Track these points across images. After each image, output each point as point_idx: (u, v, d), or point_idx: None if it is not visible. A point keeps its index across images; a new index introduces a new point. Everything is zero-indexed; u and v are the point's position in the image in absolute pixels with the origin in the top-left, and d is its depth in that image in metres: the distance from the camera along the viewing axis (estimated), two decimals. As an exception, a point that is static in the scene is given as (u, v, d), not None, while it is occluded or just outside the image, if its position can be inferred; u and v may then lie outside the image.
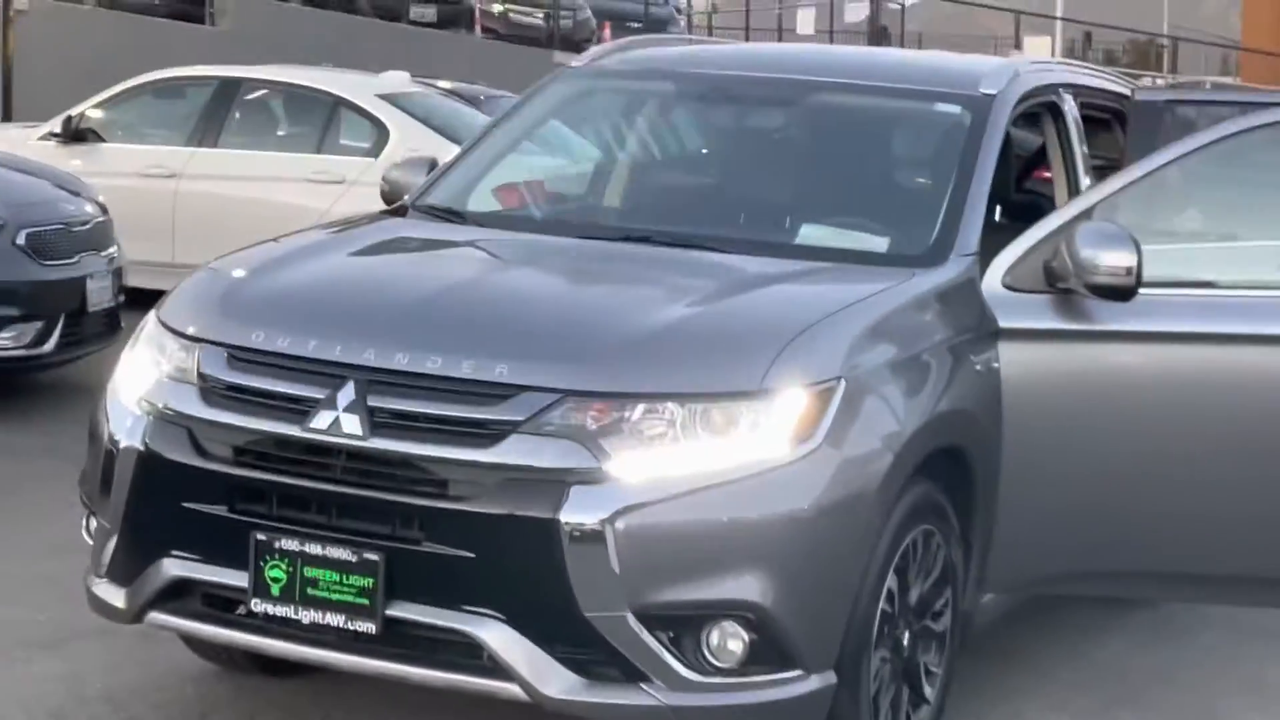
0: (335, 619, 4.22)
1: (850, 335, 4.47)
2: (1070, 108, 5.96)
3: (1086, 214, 5.10)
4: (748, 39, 31.33)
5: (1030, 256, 5.07)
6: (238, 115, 11.81)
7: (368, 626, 4.19)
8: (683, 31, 25.58)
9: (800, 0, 32.71)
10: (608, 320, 4.45)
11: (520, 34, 22.96)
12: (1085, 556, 5.17)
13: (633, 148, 6.01)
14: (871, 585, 4.41)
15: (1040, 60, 6.18)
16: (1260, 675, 5.87)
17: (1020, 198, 6.54)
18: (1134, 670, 5.84)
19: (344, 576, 4.20)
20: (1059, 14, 39.94)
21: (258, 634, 4.36)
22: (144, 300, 5.92)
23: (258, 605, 4.29)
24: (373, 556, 4.17)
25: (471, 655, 4.17)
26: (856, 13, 31.85)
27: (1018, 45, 31.56)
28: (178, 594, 4.44)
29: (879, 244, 5.22)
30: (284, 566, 4.24)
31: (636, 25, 24.02)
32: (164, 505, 4.40)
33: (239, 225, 9.78)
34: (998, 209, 5.92)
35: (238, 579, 4.31)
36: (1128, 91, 6.34)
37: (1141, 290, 4.92)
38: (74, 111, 11.84)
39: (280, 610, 4.27)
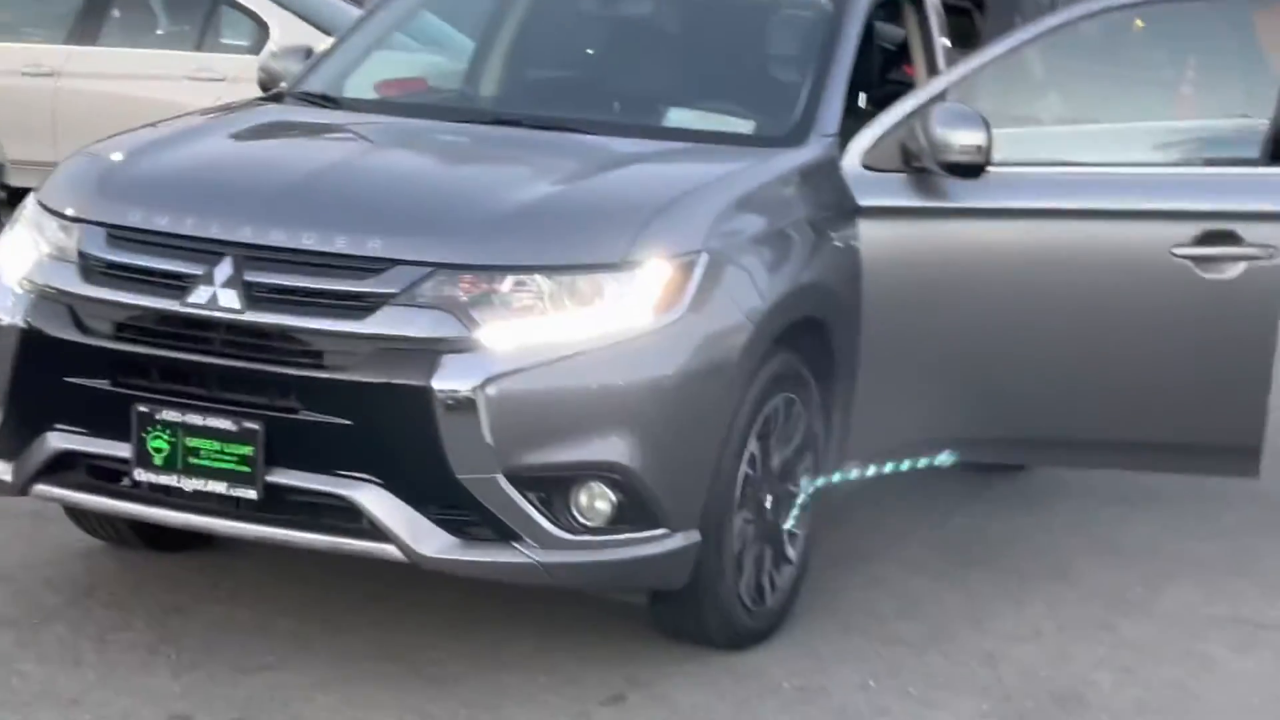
0: (217, 486, 4.37)
1: (712, 209, 4.65)
2: (931, -3, 6.16)
3: (940, 96, 5.30)
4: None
5: (887, 137, 5.27)
6: (116, 13, 11.74)
7: (249, 493, 4.35)
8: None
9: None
10: (477, 196, 4.60)
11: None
12: (941, 424, 5.41)
13: (502, 35, 6.13)
14: (734, 449, 4.62)
15: (902, -49, 6.31)
16: (1112, 537, 6.16)
17: (889, 88, 6.73)
18: (992, 534, 6.11)
19: (225, 445, 4.34)
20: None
21: (142, 503, 4.50)
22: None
23: (141, 475, 4.43)
24: (252, 425, 4.32)
25: (350, 519, 4.34)
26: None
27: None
28: (63, 466, 4.57)
29: (744, 126, 5.40)
30: (166, 437, 4.38)
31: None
32: (47, 380, 4.52)
33: (120, 124, 9.71)
34: (863, 97, 6.10)
35: (121, 450, 4.44)
36: (988, -20, 6.54)
37: (991, 168, 5.13)
38: (-54, 10, 11.74)
39: (163, 479, 4.41)
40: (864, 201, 5.20)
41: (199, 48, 11.49)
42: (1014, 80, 5.52)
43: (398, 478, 4.28)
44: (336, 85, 5.74)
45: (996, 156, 5.19)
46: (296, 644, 4.78)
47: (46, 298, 4.56)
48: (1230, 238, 5.26)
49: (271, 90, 5.85)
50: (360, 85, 5.91)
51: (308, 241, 4.37)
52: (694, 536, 4.53)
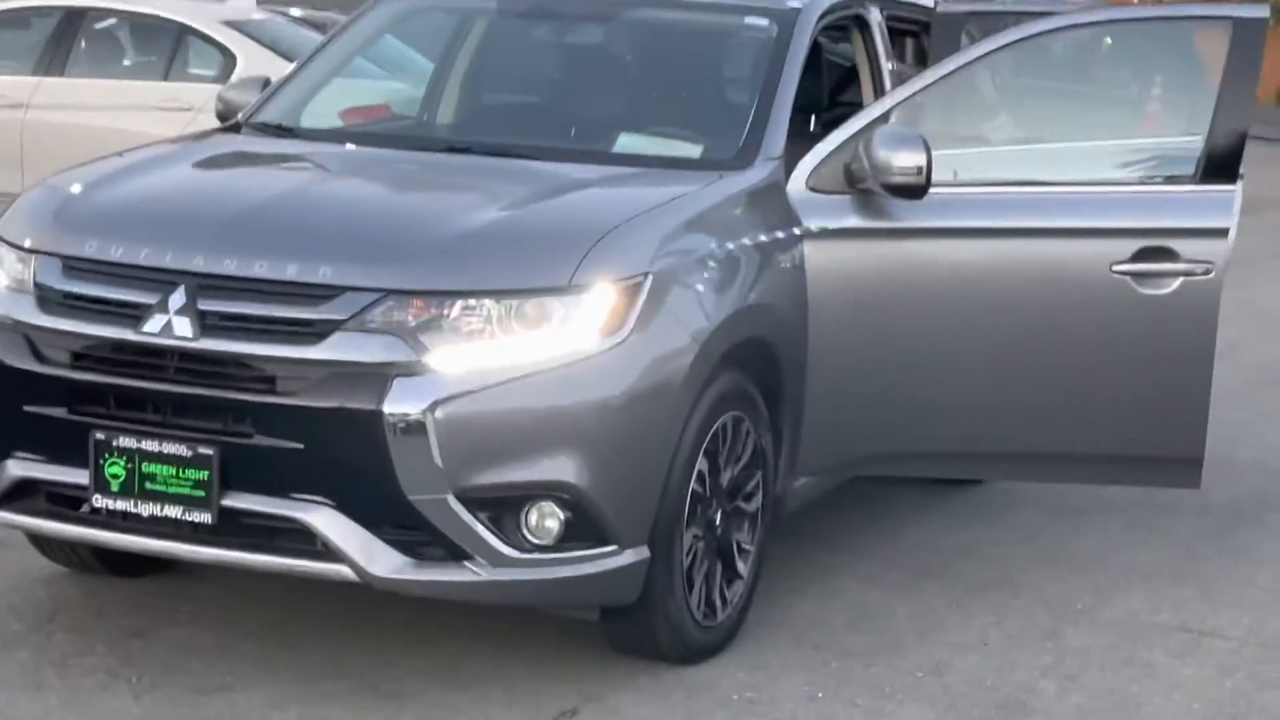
0: (173, 511, 4.46)
1: (657, 233, 4.76)
2: (877, 20, 6.27)
3: (883, 118, 5.41)
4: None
5: (832, 159, 5.38)
6: (84, 44, 11.84)
7: (204, 517, 4.44)
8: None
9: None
10: (426, 223, 4.70)
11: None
12: (888, 439, 5.53)
13: (458, 64, 6.24)
14: (682, 467, 4.72)
15: (846, -25, 6.42)
16: (1062, 547, 6.27)
17: (838, 110, 6.85)
18: (945, 547, 6.22)
19: (180, 470, 4.43)
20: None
21: (100, 529, 4.59)
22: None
23: (99, 501, 4.52)
24: (207, 451, 4.41)
25: (305, 541, 4.43)
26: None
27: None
28: (23, 493, 4.66)
29: (691, 150, 5.50)
30: (123, 463, 4.48)
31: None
32: (6, 409, 4.61)
33: (88, 154, 9.82)
34: (813, 119, 6.21)
35: (79, 477, 4.54)
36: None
37: (932, 189, 5.25)
38: (-83, 44, 11.83)
39: (120, 505, 4.50)
40: (809, 223, 5.31)
41: (166, 78, 11.59)
42: (956, 101, 5.63)
43: (350, 500, 4.37)
44: (293, 115, 5.84)
45: (940, 176, 5.31)
46: (256, 665, 4.86)
47: (4, 328, 4.65)
48: (1167, 254, 5.38)
49: (229, 120, 5.94)
50: (317, 114, 6.01)
51: (259, 269, 4.47)
52: (643, 553, 4.62)
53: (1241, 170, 5.48)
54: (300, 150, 5.53)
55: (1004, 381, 5.47)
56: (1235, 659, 5.28)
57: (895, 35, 6.67)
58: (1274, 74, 19.62)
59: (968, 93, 5.65)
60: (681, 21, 6.01)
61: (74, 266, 4.64)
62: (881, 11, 6.33)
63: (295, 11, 13.85)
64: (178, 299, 4.46)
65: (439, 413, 4.32)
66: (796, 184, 5.35)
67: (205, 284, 4.48)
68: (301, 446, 4.37)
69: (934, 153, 5.24)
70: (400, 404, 4.32)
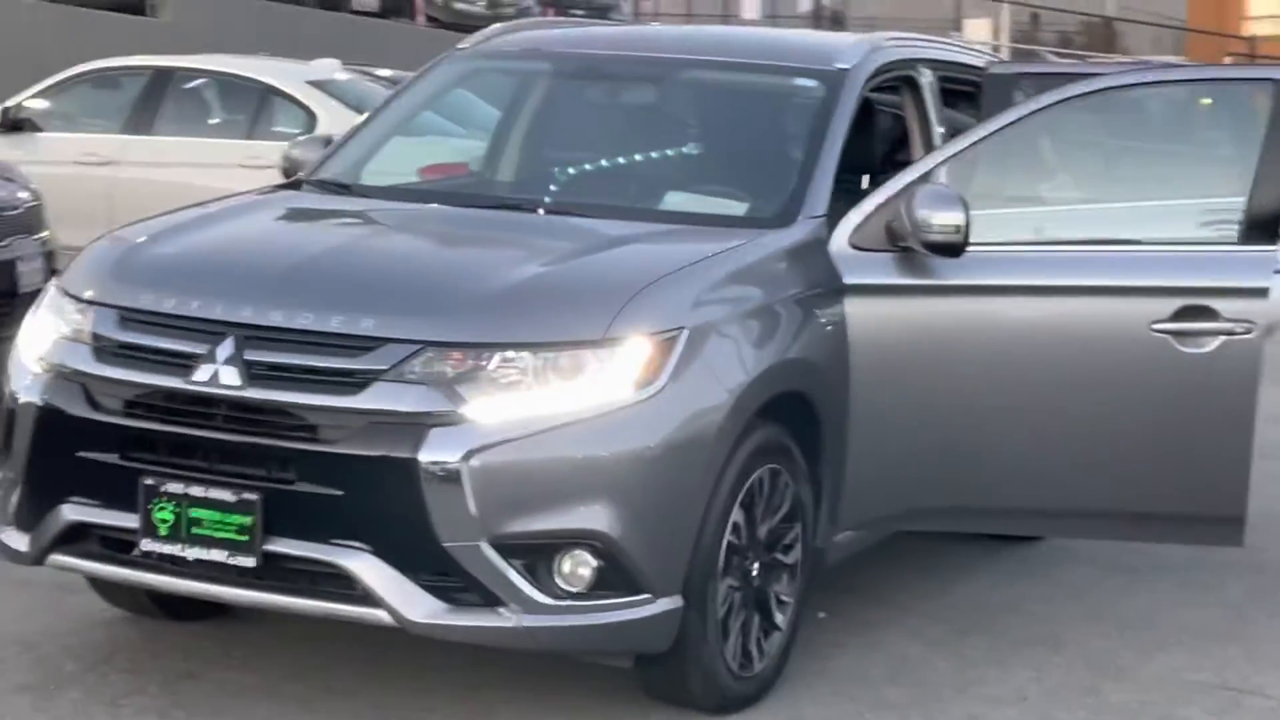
0: (218, 555, 4.60)
1: (693, 289, 4.86)
2: (928, 81, 6.35)
3: (924, 178, 5.49)
4: (688, 23, 31.73)
5: (874, 218, 5.47)
6: (171, 103, 12.17)
7: (248, 561, 4.58)
8: (626, 17, 25.93)
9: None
10: (467, 277, 4.84)
11: (463, 22, 23.24)
12: (929, 495, 5.58)
13: (516, 123, 6.39)
14: (717, 518, 4.81)
15: (903, 36, 6.53)
16: (1110, 605, 6.29)
17: (891, 170, 6.93)
18: (992, 603, 6.25)
19: (225, 516, 4.57)
20: (1004, -4, 40.24)
21: (149, 571, 4.73)
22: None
23: (148, 545, 4.67)
24: (251, 496, 4.55)
25: (345, 585, 4.55)
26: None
27: (957, 28, 32.03)
28: (76, 537, 4.81)
29: (736, 208, 5.62)
30: (171, 508, 4.62)
31: (579, 13, 24.34)
32: (61, 455, 4.78)
33: (172, 210, 10.13)
34: (865, 178, 6.30)
35: (129, 521, 4.69)
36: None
37: (971, 247, 5.33)
38: (10, 102, 12.19)
39: (168, 549, 4.65)
40: (850, 280, 5.39)
41: (250, 136, 11.87)
42: (996, 161, 5.70)
43: (388, 546, 4.49)
44: (350, 172, 6.00)
45: (985, 236, 5.39)
46: (300, 707, 4.98)
47: (62, 377, 4.82)
48: (1207, 313, 5.42)
49: (291, 177, 6.12)
50: (381, 171, 6.18)
51: (304, 321, 4.61)
52: (676, 602, 4.71)
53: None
54: (354, 207, 5.69)
55: (1044, 438, 5.52)
56: (1273, 717, 5.29)
57: (959, 96, 6.77)
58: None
59: (1008, 153, 5.72)
60: (732, 82, 6.13)
61: (129, 317, 4.81)
62: (934, 72, 6.42)
63: (384, 72, 14.13)
64: (226, 349, 4.61)
65: (474, 461, 4.44)
66: (839, 241, 5.44)
67: (253, 335, 4.63)
68: (341, 493, 4.50)
69: (976, 212, 5.32)
70: (436, 453, 4.44)
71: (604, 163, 6.07)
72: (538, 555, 4.54)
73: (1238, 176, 5.57)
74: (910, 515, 5.66)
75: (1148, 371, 5.46)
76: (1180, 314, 5.43)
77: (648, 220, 5.46)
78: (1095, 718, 5.21)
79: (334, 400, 4.52)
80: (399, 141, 6.42)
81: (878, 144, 6.55)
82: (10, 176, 9.59)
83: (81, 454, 4.74)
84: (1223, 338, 5.42)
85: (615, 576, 4.58)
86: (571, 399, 4.55)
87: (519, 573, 4.51)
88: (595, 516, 4.53)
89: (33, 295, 9.01)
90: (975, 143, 5.59)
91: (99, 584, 5.45)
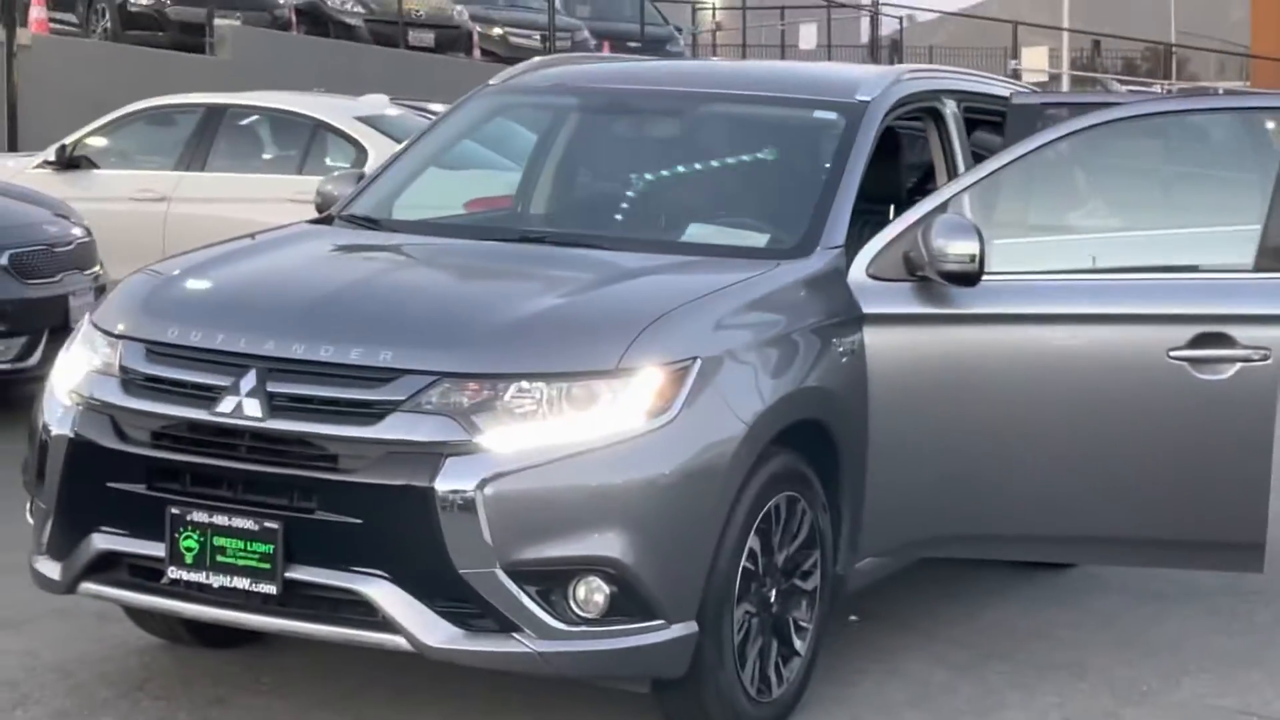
0: (241, 582, 4.71)
1: (706, 320, 4.95)
2: (952, 112, 6.42)
3: (941, 208, 5.56)
4: (744, 55, 31.88)
5: (891, 248, 5.53)
6: (224, 140, 12.33)
7: (270, 588, 4.68)
8: (682, 51, 26.09)
9: (801, 16, 33.29)
10: (484, 309, 4.94)
11: (519, 56, 23.45)
12: (949, 522, 5.63)
13: (541, 157, 6.50)
14: (732, 545, 4.88)
15: (925, 68, 6.61)
16: (1139, 632, 6.31)
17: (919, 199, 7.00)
18: (1020, 630, 6.29)
19: (248, 544, 4.69)
20: (1065, 24, 40.27)
21: (176, 599, 4.85)
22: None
23: (174, 572, 4.79)
24: (272, 525, 4.66)
25: (364, 612, 4.65)
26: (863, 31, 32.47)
27: (1014, 56, 32.04)
28: (106, 566, 4.93)
29: (756, 239, 5.70)
30: (196, 537, 4.74)
31: (635, 45, 24.52)
32: (91, 486, 4.90)
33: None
34: (892, 209, 6.37)
35: (156, 550, 4.80)
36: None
37: (986, 276, 5.39)
38: (67, 140, 12.39)
39: (194, 576, 4.76)
40: (869, 309, 5.46)
41: (301, 171, 12.00)
42: (1013, 191, 5.76)
43: (405, 573, 4.59)
44: (379, 208, 6.12)
45: (1002, 265, 5.46)
46: (326, 733, 5.09)
47: (92, 409, 4.95)
48: (1224, 340, 5.46)
49: (324, 212, 6.25)
50: (411, 205, 6.29)
51: (325, 354, 4.73)
52: (691, 628, 4.78)
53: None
54: (380, 242, 5.80)
55: (1062, 466, 5.56)
56: (1293, 742, 5.32)
57: (984, 126, 6.83)
58: None
59: (1024, 183, 5.78)
60: (754, 115, 6.22)
61: (156, 351, 4.93)
62: (958, 103, 6.48)
63: (436, 106, 14.29)
64: (249, 381, 4.73)
65: (488, 490, 4.53)
66: (857, 272, 5.51)
67: (275, 367, 4.74)
68: (360, 522, 4.60)
69: (997, 241, 5.38)
70: (451, 481, 4.54)
71: (627, 196, 6.16)
72: (552, 582, 4.63)
73: (1255, 203, 5.60)
74: (931, 542, 5.71)
75: (1165, 399, 5.49)
76: (1197, 341, 5.47)
77: (668, 252, 5.55)
78: (1113, 742, 5.25)
79: (353, 430, 4.63)
80: (435, 175, 6.54)
81: (902, 175, 6.62)
82: (63, 213, 9.82)
83: (110, 484, 4.86)
84: (1239, 365, 5.46)
85: (629, 603, 4.66)
86: (585, 428, 4.64)
87: (534, 599, 4.60)
88: (608, 544, 4.61)
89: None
90: (991, 173, 5.65)
91: (134, 612, 5.57)
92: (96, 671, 5.52)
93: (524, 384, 4.65)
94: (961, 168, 6.37)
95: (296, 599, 4.70)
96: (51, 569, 5.03)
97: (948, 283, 5.42)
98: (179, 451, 4.79)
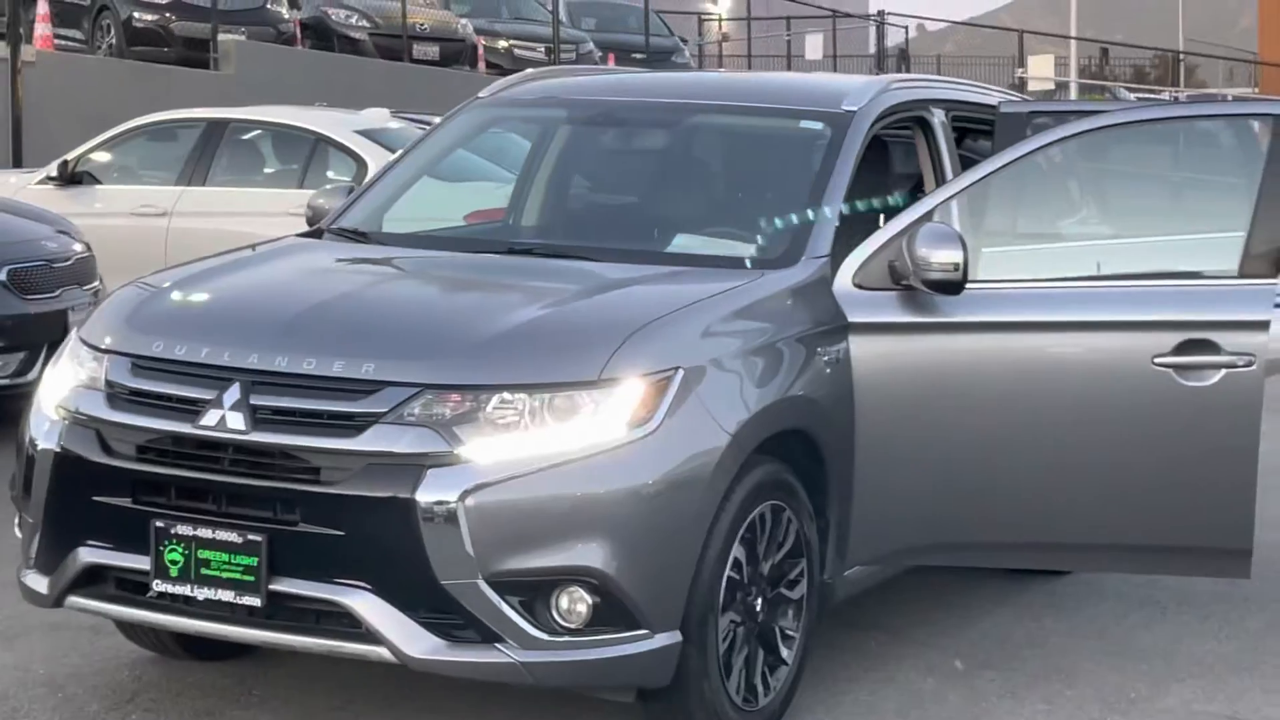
0: (226, 595, 4.73)
1: (688, 330, 4.97)
2: (940, 121, 6.43)
3: (926, 217, 5.57)
4: (750, 66, 31.93)
5: (877, 257, 5.54)
6: (225, 154, 12.36)
7: (254, 600, 4.70)
8: (688, 63, 26.14)
9: (807, 27, 33.35)
10: (465, 322, 4.95)
11: (523, 69, 23.53)
12: (937, 530, 5.64)
13: (530, 169, 6.53)
14: (716, 554, 4.88)
15: (913, 77, 6.62)
16: (1131, 640, 6.31)
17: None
18: (1014, 638, 6.29)
19: (232, 557, 4.70)
20: (1073, 33, 40.30)
21: (162, 612, 4.86)
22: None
23: (159, 585, 4.81)
24: (256, 538, 4.68)
25: (347, 624, 4.66)
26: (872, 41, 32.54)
27: (1021, 64, 32.07)
28: (93, 579, 4.95)
29: (742, 250, 5.70)
30: (180, 550, 4.76)
31: (640, 56, 24.58)
32: (77, 499, 4.93)
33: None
34: (881, 218, 6.38)
35: (142, 563, 4.82)
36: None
37: (971, 284, 5.40)
38: (70, 156, 12.43)
39: (178, 589, 4.78)
40: (854, 318, 5.47)
41: (302, 185, 12.01)
42: (997, 199, 5.77)
43: (388, 584, 4.61)
44: (368, 221, 6.14)
45: (988, 273, 5.48)
46: (313, 744, 5.11)
47: (78, 423, 4.97)
48: (1209, 346, 5.46)
49: (314, 226, 6.27)
50: (400, 218, 6.31)
51: (308, 366, 4.75)
52: (675, 637, 4.79)
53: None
54: (367, 255, 5.83)
55: (1048, 473, 5.57)
56: (1280, 748, 5.31)
57: (976, 135, 6.85)
58: None
59: (1009, 191, 5.79)
60: (740, 126, 6.24)
61: (141, 365, 4.96)
62: (946, 112, 6.49)
63: (438, 120, 14.30)
64: (232, 394, 4.75)
65: (469, 501, 4.55)
66: (843, 281, 5.52)
67: (259, 380, 4.76)
68: (343, 533, 4.61)
69: (987, 250, 5.39)
70: (433, 493, 4.55)
71: (615, 207, 6.19)
72: (535, 592, 4.64)
73: (1238, 210, 5.61)
74: (919, 550, 5.72)
75: (1150, 405, 5.50)
76: (1182, 348, 5.47)
77: (654, 263, 5.57)
78: (1100, 749, 5.25)
79: (335, 443, 4.65)
80: (431, 187, 6.57)
81: (891, 184, 6.63)
82: (63, 229, 9.85)
83: (96, 498, 4.88)
84: (1224, 371, 5.46)
85: (612, 613, 4.67)
86: (567, 439, 4.65)
87: (516, 610, 4.61)
88: (590, 554, 4.62)
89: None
90: (975, 182, 5.66)
91: (124, 625, 5.59)
92: (88, 685, 5.54)
93: (506, 395, 4.66)
94: (950, 177, 6.37)
95: (280, 611, 4.72)
96: (39, 583, 5.05)
97: (932, 291, 5.43)
98: (164, 465, 4.81)
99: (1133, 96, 29.87)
